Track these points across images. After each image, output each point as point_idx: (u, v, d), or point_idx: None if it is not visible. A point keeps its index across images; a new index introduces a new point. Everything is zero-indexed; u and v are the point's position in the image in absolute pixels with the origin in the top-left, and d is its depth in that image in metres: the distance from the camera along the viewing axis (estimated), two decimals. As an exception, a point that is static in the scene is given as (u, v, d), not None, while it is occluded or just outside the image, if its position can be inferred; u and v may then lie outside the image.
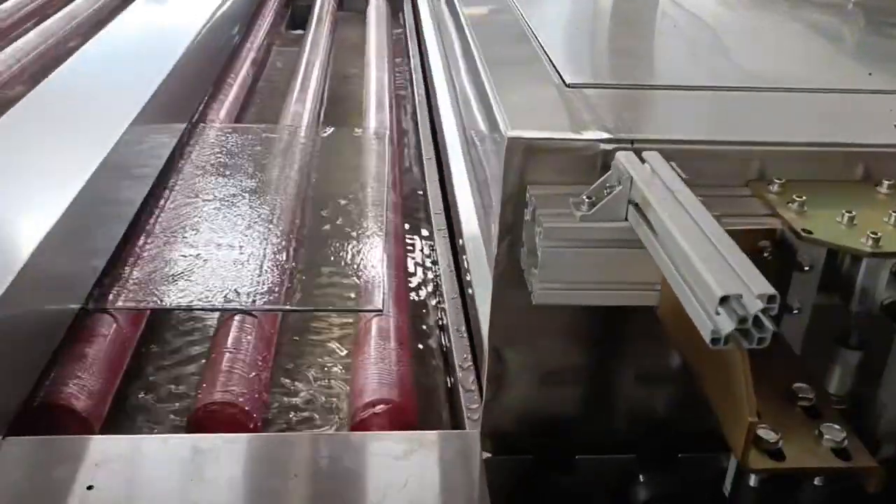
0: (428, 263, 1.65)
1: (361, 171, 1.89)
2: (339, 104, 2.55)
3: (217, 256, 1.54)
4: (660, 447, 1.08)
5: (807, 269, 0.84)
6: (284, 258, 1.55)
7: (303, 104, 2.31)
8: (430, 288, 1.58)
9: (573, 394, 1.07)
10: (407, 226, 1.76)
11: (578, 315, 1.01)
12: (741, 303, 0.64)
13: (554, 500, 1.06)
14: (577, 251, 0.86)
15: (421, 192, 1.92)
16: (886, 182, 0.92)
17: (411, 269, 1.63)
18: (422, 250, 1.71)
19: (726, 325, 0.64)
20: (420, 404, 1.24)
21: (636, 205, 0.82)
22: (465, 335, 1.32)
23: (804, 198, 0.87)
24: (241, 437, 1.04)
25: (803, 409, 0.76)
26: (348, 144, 2.06)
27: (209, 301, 1.41)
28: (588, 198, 0.86)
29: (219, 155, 1.95)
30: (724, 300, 0.63)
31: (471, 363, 1.25)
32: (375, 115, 2.23)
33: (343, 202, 1.76)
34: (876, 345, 0.91)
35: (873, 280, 0.83)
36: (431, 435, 1.06)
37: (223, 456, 1.01)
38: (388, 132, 2.11)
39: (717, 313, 0.64)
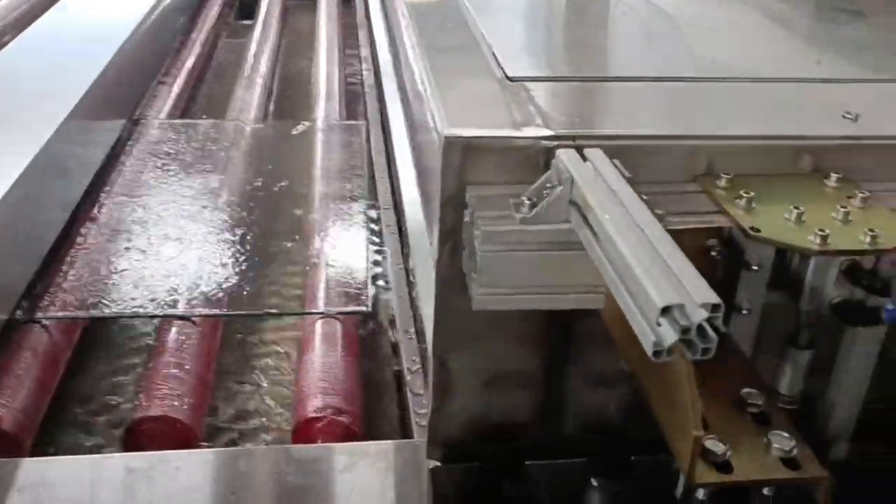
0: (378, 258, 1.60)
1: (309, 166, 1.84)
2: (290, 96, 2.49)
3: (158, 259, 1.48)
4: (612, 451, 1.06)
5: (755, 268, 0.81)
6: (229, 260, 1.49)
7: (251, 97, 2.24)
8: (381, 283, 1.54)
9: (522, 399, 1.04)
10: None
11: (525, 319, 0.97)
12: (684, 312, 0.60)
13: (505, 508, 1.03)
14: (518, 255, 0.82)
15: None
16: (835, 175, 0.90)
17: (360, 265, 1.58)
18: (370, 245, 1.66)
19: (669, 336, 0.60)
20: (371, 404, 1.21)
21: (577, 206, 0.78)
22: (414, 337, 1.28)
23: (752, 194, 0.84)
24: (175, 455, 0.99)
25: (752, 415, 0.73)
26: (295, 137, 2.00)
27: (149, 308, 1.36)
28: (528, 199, 0.82)
29: (161, 152, 1.88)
30: (665, 311, 0.60)
31: (419, 366, 1.22)
32: (324, 107, 2.18)
33: (288, 199, 1.71)
34: (826, 344, 0.89)
35: (822, 278, 0.81)
36: (376, 445, 1.02)
37: (158, 476, 0.96)
38: (339, 124, 2.06)
39: (659, 324, 0.60)
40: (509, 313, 0.94)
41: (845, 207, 0.83)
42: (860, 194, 0.86)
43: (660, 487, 0.86)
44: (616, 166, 0.82)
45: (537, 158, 0.87)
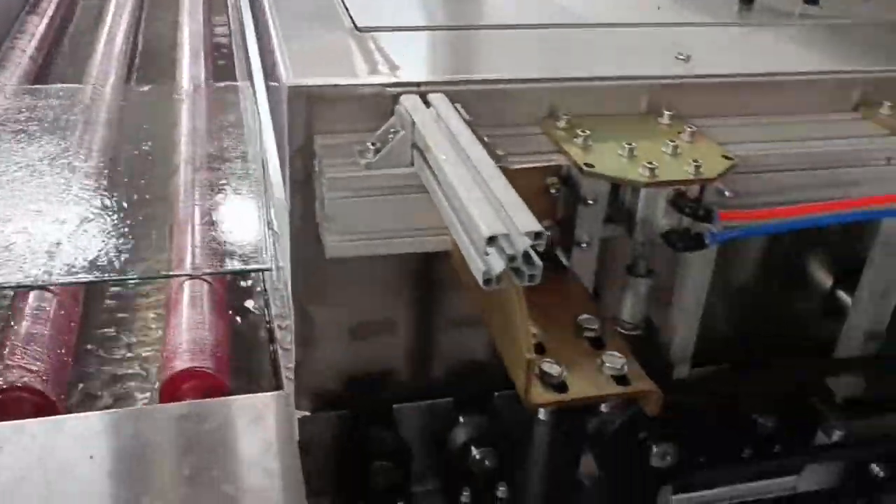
0: (248, 220, 1.58)
1: (172, 130, 1.79)
2: (152, 58, 2.41)
3: (13, 229, 1.43)
4: (476, 389, 1.09)
5: (591, 202, 0.86)
6: (88, 227, 1.45)
7: (109, 60, 2.16)
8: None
9: (386, 345, 1.06)
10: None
11: (383, 266, 0.99)
12: (509, 241, 0.63)
13: (374, 452, 1.05)
14: (365, 200, 0.83)
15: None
16: (667, 113, 0.95)
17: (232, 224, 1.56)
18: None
19: (497, 264, 0.63)
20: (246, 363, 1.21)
21: (419, 149, 0.80)
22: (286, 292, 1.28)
23: (588, 132, 0.88)
24: (32, 423, 0.96)
25: (589, 340, 0.77)
26: (159, 101, 1.95)
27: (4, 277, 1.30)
28: (373, 145, 0.84)
29: (12, 119, 1.79)
30: (491, 240, 0.63)
31: (289, 322, 1.22)
32: (189, 68, 2.12)
33: (152, 164, 1.66)
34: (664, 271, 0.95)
35: (652, 209, 0.86)
36: (243, 399, 1.03)
37: (12, 445, 0.94)
38: (202, 85, 2.02)
39: (487, 253, 0.63)
40: (367, 261, 0.95)
41: (674, 142, 0.88)
42: (688, 129, 0.91)
43: (521, 418, 0.90)
44: (457, 110, 0.84)
45: (383, 106, 0.88)
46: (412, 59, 0.98)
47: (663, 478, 0.94)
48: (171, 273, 1.33)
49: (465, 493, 1.10)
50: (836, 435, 1.11)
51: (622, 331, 0.95)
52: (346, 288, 1.00)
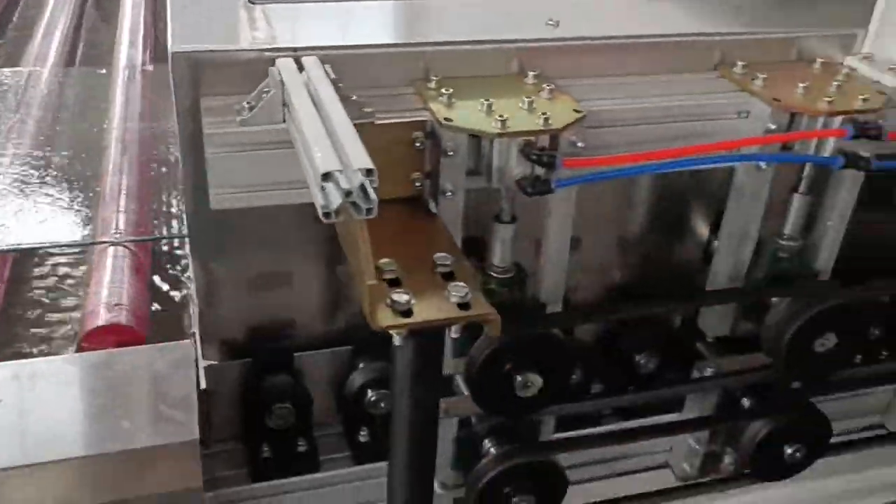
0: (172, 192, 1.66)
1: (105, 111, 1.86)
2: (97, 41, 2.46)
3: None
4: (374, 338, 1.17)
5: (451, 153, 0.93)
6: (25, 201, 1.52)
7: (49, 43, 2.21)
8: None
9: (286, 297, 1.14)
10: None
11: (277, 218, 1.06)
12: (344, 176, 0.71)
13: (273, 396, 1.13)
14: (242, 154, 0.91)
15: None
16: (532, 73, 1.03)
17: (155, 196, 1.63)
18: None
19: (334, 198, 0.71)
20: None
21: (287, 106, 0.88)
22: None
23: (451, 91, 0.96)
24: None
25: (441, 274, 0.85)
26: (95, 83, 2.01)
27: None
28: (248, 104, 0.91)
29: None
30: (327, 175, 0.71)
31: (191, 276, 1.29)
32: (127, 52, 2.18)
33: (85, 142, 1.73)
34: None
35: (505, 159, 0.94)
36: (148, 348, 1.10)
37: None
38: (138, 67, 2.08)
39: (323, 188, 0.71)
40: (262, 214, 1.02)
41: (531, 98, 0.97)
42: (547, 87, 0.99)
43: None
44: (326, 71, 0.92)
45: (262, 70, 0.95)
46: (294, 28, 1.05)
47: (529, 407, 1.02)
48: (94, 241, 1.40)
49: (362, 433, 1.19)
50: (708, 371, 1.20)
51: (494, 274, 1.04)
52: (243, 242, 1.08)
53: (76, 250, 1.44)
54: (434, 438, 0.94)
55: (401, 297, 0.80)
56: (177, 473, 0.94)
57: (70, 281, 1.41)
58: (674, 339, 1.26)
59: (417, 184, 0.97)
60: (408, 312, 0.80)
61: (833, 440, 1.26)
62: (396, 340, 0.83)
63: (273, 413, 1.13)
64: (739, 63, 1.10)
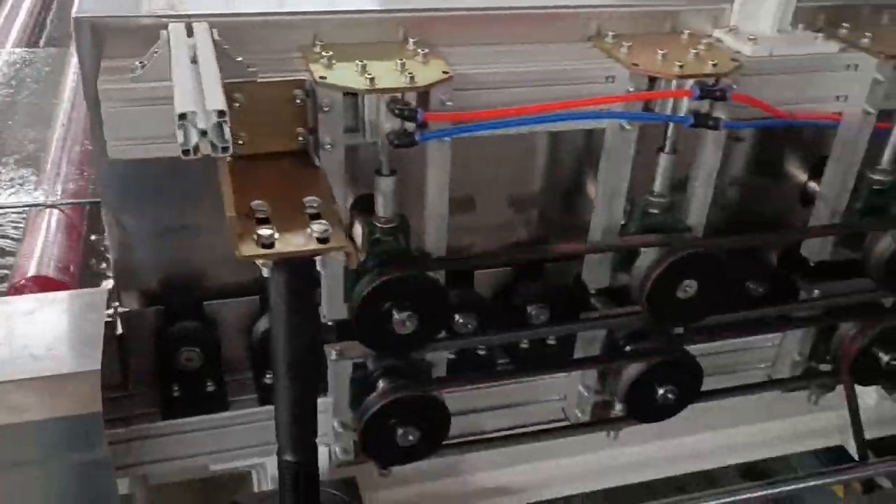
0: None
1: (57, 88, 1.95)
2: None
3: None
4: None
5: (327, 109, 1.03)
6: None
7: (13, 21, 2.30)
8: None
9: (193, 246, 1.23)
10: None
11: (179, 171, 1.14)
12: (201, 117, 0.81)
13: (183, 340, 1.23)
14: (134, 109, 1.00)
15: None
16: (412, 40, 1.13)
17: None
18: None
19: (192, 136, 0.81)
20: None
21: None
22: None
23: (331, 53, 1.06)
24: None
25: (309, 215, 0.95)
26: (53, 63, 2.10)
27: None
28: (140, 63, 1.01)
29: None
30: (182, 116, 0.80)
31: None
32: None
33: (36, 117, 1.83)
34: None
35: (375, 114, 1.04)
36: (66, 294, 1.19)
37: None
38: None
39: (182, 128, 0.81)
40: (168, 167, 1.11)
41: (404, 61, 1.06)
42: (422, 51, 1.09)
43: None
44: (211, 35, 1.01)
45: (158, 35, 1.05)
46: (193, -1, 1.14)
47: (407, 345, 1.12)
48: (30, 203, 1.49)
49: (268, 376, 1.28)
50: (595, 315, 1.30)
51: (378, 225, 1.14)
52: (151, 195, 1.17)
53: (18, 213, 1.53)
54: (313, 367, 1.04)
55: (265, 231, 0.90)
56: (79, 399, 1.03)
57: (8, 241, 1.50)
58: (562, 292, 1.35)
59: (301, 138, 1.07)
60: (270, 245, 0.89)
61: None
62: (265, 272, 0.92)
63: (181, 356, 1.22)
64: (610, 34, 1.20)
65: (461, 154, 1.13)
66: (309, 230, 0.92)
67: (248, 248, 0.88)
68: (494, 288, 1.38)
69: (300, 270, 0.95)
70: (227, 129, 0.82)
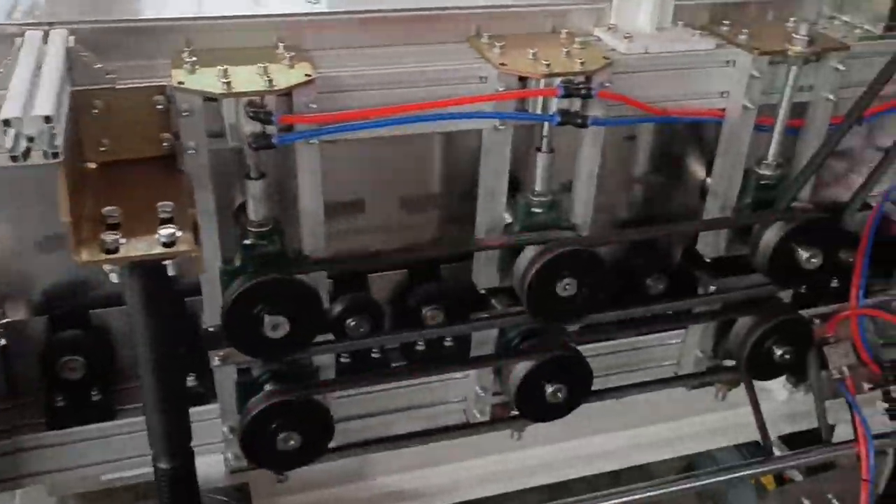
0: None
1: None
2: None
3: None
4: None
5: (186, 113, 1.03)
6: None
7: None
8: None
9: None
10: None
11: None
12: (26, 123, 0.81)
13: (66, 351, 1.22)
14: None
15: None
16: (282, 45, 1.13)
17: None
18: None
19: (21, 143, 0.81)
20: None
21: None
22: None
23: (195, 58, 1.06)
24: None
25: (161, 219, 0.95)
26: None
27: None
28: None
29: None
30: (7, 122, 0.80)
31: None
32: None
33: None
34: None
35: (236, 118, 1.04)
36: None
37: None
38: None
39: (6, 134, 0.81)
40: (38, 176, 1.09)
41: (265, 65, 1.06)
42: (289, 55, 1.09)
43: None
44: (66, 43, 1.01)
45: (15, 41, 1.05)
46: (64, 6, 1.14)
47: (281, 349, 1.12)
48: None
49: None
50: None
51: (251, 229, 1.14)
52: (29, 203, 1.17)
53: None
54: (177, 372, 1.04)
55: (109, 237, 0.90)
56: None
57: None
58: (458, 294, 1.36)
59: (166, 144, 1.07)
60: (115, 250, 0.89)
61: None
62: (113, 277, 0.92)
63: (63, 365, 1.21)
64: (485, 34, 1.21)
65: (353, 157, 1.15)
66: (157, 235, 0.92)
67: (90, 254, 0.88)
68: (391, 291, 1.38)
69: (152, 275, 0.95)
70: (58, 136, 0.82)
